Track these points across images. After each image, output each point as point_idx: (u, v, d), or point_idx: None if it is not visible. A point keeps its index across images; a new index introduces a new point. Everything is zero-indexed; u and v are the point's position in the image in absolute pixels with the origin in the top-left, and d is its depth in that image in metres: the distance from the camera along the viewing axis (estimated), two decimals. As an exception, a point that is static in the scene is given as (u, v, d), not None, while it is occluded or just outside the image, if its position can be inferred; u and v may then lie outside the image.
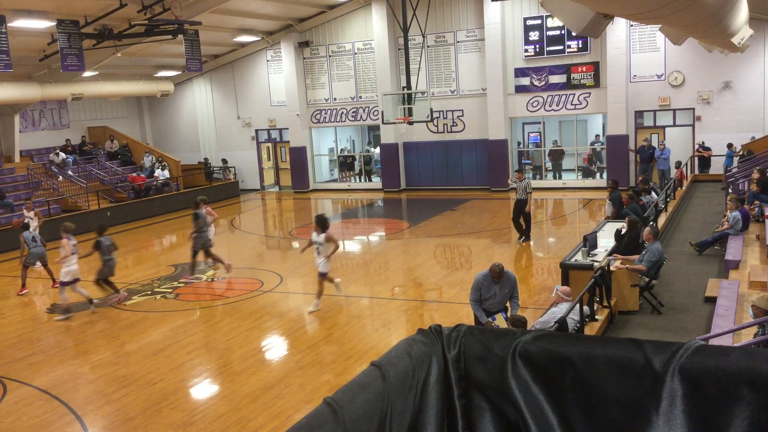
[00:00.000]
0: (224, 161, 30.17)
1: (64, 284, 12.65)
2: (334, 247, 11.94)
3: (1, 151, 25.20)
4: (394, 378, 1.89)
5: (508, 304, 9.09)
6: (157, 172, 27.13)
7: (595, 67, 24.10)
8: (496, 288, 8.79)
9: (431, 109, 21.26)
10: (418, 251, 16.94)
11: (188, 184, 28.38)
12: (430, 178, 27.07)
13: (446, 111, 26.40)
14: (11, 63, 17.60)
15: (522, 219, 16.58)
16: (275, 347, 10.70)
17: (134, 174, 26.79)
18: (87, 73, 22.74)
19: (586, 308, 9.21)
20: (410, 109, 20.16)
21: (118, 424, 8.18)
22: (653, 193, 17.28)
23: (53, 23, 18.48)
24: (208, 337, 11.22)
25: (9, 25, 17.35)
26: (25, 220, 16.39)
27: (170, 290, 14.30)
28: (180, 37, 20.34)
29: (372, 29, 26.70)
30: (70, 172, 25.36)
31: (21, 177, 24.34)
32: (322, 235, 11.72)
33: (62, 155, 25.75)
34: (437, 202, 24.17)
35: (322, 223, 11.69)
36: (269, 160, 31.06)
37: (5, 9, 17.02)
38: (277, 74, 29.09)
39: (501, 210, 21.84)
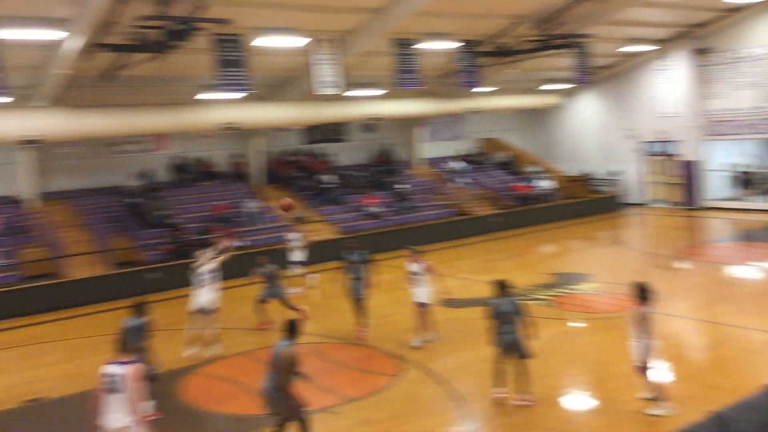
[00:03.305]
0: (612, 173, 29.48)
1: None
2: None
3: (409, 158, 28.61)
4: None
5: None
6: (540, 182, 27.93)
7: None
8: None
9: None
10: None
11: (569, 195, 28.61)
12: None
13: None
14: (421, 81, 19.80)
15: None
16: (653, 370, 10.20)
17: (518, 183, 27.98)
18: (481, 88, 24.44)
19: None
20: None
21: (495, 417, 8.69)
22: None
23: (456, 44, 20.29)
24: (584, 350, 11.21)
25: (420, 46, 19.50)
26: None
27: (549, 297, 14.63)
28: (569, 50, 20.67)
29: (786, 30, 23.62)
30: (462, 180, 27.61)
31: (422, 182, 27.31)
32: None
33: (457, 164, 28.17)
34: None
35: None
36: (654, 173, 29.54)
37: (417, 33, 19.20)
38: (665, 84, 27.58)
39: None
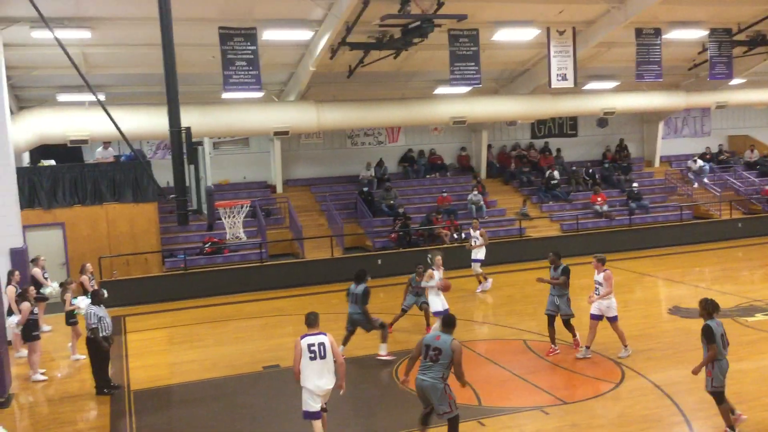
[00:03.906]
0: None
1: None
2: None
3: (644, 155, 27.03)
4: None
5: None
6: (800, 186, 24.84)
7: None
8: None
9: None
10: None
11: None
12: None
13: None
14: (662, 73, 18.61)
15: None
16: None
17: (773, 186, 25.16)
18: (732, 81, 22.32)
19: None
20: None
21: (726, 441, 7.97)
22: None
23: (706, 32, 18.75)
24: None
25: (663, 37, 18.33)
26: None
27: (800, 316, 13.04)
28: None
29: None
30: (705, 180, 25.46)
31: (658, 181, 25.64)
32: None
33: (699, 162, 26.02)
34: None
35: None
36: None
37: (662, 21, 18.02)
38: None
39: None
